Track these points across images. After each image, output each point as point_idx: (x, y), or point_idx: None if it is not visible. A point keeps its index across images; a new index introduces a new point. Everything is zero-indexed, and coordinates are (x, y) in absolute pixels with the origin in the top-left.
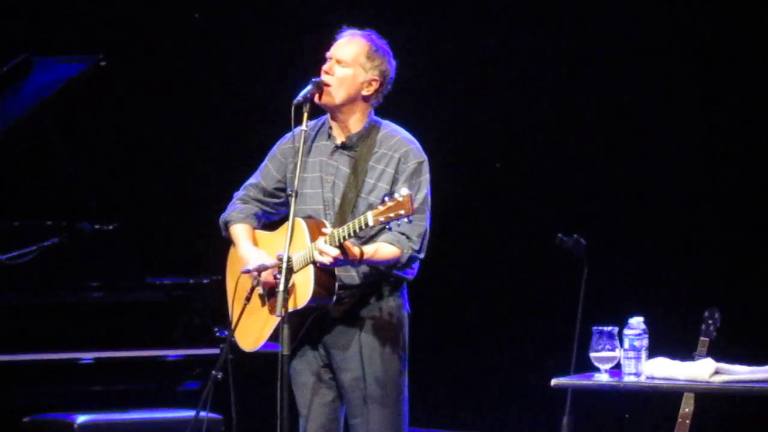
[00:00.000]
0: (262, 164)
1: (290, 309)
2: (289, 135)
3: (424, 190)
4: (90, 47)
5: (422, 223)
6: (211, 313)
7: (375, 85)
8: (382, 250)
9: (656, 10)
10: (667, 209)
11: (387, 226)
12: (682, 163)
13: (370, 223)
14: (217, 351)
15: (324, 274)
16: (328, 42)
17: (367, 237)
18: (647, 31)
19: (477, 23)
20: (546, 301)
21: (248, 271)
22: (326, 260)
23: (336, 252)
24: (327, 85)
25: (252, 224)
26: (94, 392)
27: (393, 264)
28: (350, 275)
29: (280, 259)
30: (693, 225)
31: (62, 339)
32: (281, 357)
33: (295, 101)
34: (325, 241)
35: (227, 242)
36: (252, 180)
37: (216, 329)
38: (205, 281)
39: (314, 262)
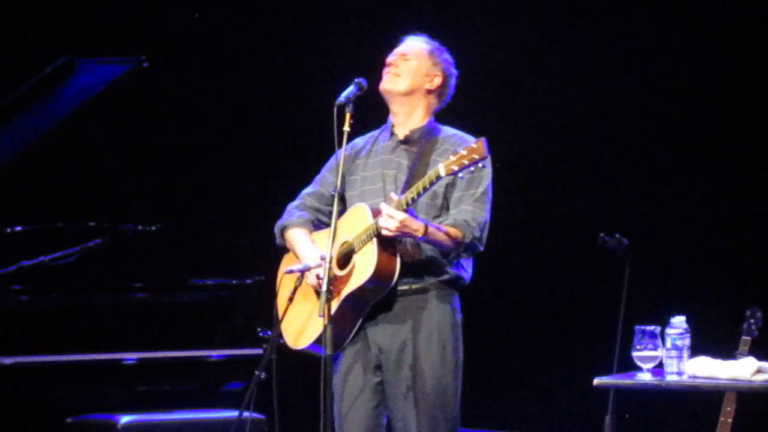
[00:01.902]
0: (319, 174)
1: (350, 289)
2: (348, 145)
3: (486, 183)
4: (133, 48)
5: (483, 213)
6: (255, 313)
7: (438, 82)
8: (445, 228)
9: (702, 9)
10: (709, 208)
11: (459, 176)
12: (724, 162)
13: (442, 174)
14: (260, 351)
15: (387, 252)
16: (382, 48)
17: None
18: (691, 29)
19: (517, 22)
20: (588, 300)
21: (291, 272)
22: (392, 225)
23: (402, 215)
24: (389, 69)
25: (309, 229)
26: (137, 393)
27: (454, 247)
28: (408, 268)
29: (323, 259)
30: (735, 224)
31: (105, 340)
32: (324, 358)
33: (337, 101)
34: (393, 205)
35: (270, 242)
36: (308, 189)
37: (259, 329)
38: (248, 281)
39: (378, 235)
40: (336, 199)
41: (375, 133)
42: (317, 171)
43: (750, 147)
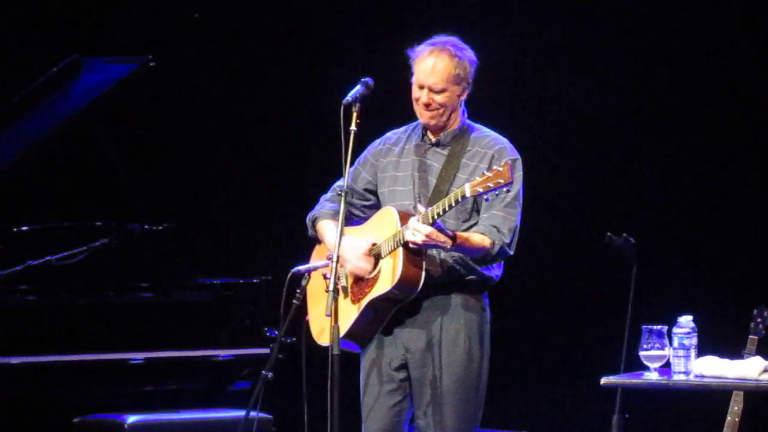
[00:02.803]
0: (352, 167)
1: (375, 294)
2: (380, 139)
3: (517, 187)
4: (140, 48)
5: (513, 218)
6: (262, 312)
7: (467, 89)
8: (474, 237)
9: (717, 10)
10: (716, 207)
11: (485, 198)
12: (732, 162)
13: (467, 194)
14: (267, 351)
15: (413, 259)
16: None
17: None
18: (705, 27)
19: (528, 19)
20: (595, 300)
21: (298, 272)
22: (418, 239)
23: (429, 230)
24: (428, 106)
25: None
26: (144, 392)
27: (483, 255)
28: (437, 269)
29: (330, 259)
30: (741, 223)
31: (112, 339)
32: (331, 357)
33: (344, 101)
34: (418, 220)
35: (277, 242)
36: (340, 181)
37: (266, 329)
38: (255, 281)
39: (405, 244)
40: (343, 199)
41: (406, 129)
42: (323, 171)
43: (758, 147)
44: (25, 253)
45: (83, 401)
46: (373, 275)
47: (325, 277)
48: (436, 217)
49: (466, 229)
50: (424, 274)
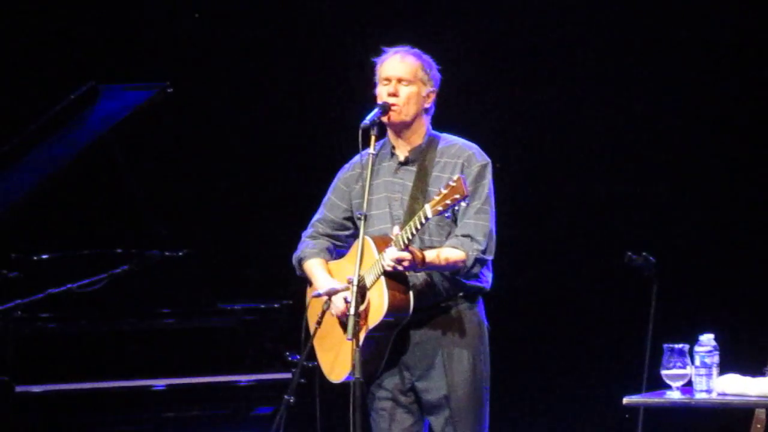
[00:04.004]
0: (325, 198)
1: (370, 325)
2: (347, 165)
3: (486, 192)
4: (158, 75)
5: (486, 223)
6: (283, 337)
7: (432, 96)
8: (445, 253)
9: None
10: (736, 225)
11: (446, 216)
12: (752, 180)
13: (429, 215)
14: (289, 375)
15: (397, 285)
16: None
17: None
18: (722, 38)
19: (542, 31)
20: (616, 319)
21: (319, 295)
22: (390, 258)
23: (401, 255)
24: (395, 105)
25: (326, 258)
26: (166, 419)
27: (459, 268)
28: (424, 291)
29: (350, 282)
30: (762, 240)
31: (134, 366)
32: (354, 382)
33: (362, 125)
34: (392, 244)
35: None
36: (318, 216)
37: (288, 353)
38: (275, 306)
39: (385, 273)
40: (363, 221)
41: (371, 151)
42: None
43: None
44: (45, 281)
45: (106, 429)
46: (363, 308)
47: (324, 307)
48: (406, 241)
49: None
50: (412, 295)
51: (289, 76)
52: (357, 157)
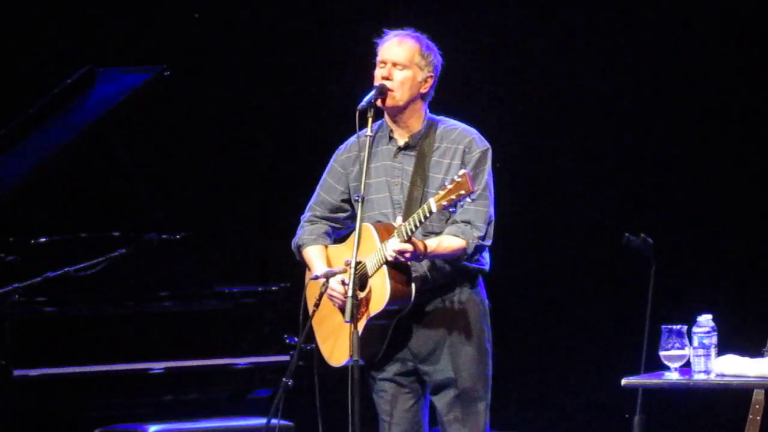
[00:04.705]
0: (322, 181)
1: (370, 316)
2: (343, 146)
3: (485, 179)
4: (157, 57)
5: (486, 209)
6: (281, 320)
7: (430, 82)
8: (446, 242)
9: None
10: (734, 206)
11: (451, 210)
12: (750, 160)
13: (434, 210)
14: (287, 358)
15: (399, 274)
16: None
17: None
18: (718, 27)
19: (543, 23)
20: (614, 301)
21: (316, 278)
22: (392, 249)
23: (404, 247)
24: (390, 89)
25: (324, 243)
26: (165, 402)
27: (459, 256)
28: (425, 275)
29: (348, 265)
30: (760, 221)
31: (132, 349)
32: (351, 365)
33: (359, 107)
34: (395, 234)
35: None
36: (314, 199)
37: (286, 336)
38: (273, 288)
39: (387, 262)
40: (361, 204)
41: (368, 133)
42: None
43: None
44: (43, 264)
45: (104, 412)
46: (364, 295)
47: (322, 289)
48: (410, 233)
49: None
50: (414, 284)
51: (286, 59)
52: (353, 138)
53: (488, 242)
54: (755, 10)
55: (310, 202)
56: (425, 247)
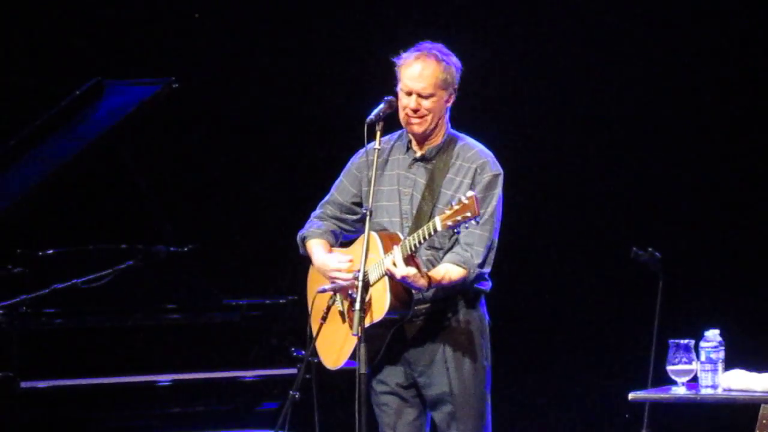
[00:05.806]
0: (338, 181)
1: (369, 323)
2: (362, 150)
3: (495, 203)
4: (164, 70)
5: (489, 235)
6: (288, 333)
7: (453, 96)
8: (450, 274)
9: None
10: (742, 221)
11: (456, 230)
12: (758, 176)
13: (439, 228)
14: (294, 371)
15: (400, 285)
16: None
17: (445, 248)
18: (727, 44)
19: (559, 37)
20: (622, 315)
21: (324, 291)
22: (397, 273)
23: (407, 271)
24: (415, 116)
25: (329, 240)
26: (172, 414)
27: (461, 284)
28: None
29: (356, 278)
30: (766, 236)
31: (139, 362)
32: (358, 376)
33: (368, 120)
34: (398, 248)
35: (303, 262)
36: (328, 198)
37: (293, 349)
38: (281, 301)
39: (388, 274)
40: (368, 217)
41: (390, 138)
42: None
43: None
44: (50, 276)
45: (111, 424)
46: (365, 301)
47: (329, 302)
48: (413, 248)
49: (453, 243)
50: (413, 295)
51: (295, 71)
52: (371, 145)
53: (487, 269)
54: None
55: (323, 200)
56: (430, 280)
